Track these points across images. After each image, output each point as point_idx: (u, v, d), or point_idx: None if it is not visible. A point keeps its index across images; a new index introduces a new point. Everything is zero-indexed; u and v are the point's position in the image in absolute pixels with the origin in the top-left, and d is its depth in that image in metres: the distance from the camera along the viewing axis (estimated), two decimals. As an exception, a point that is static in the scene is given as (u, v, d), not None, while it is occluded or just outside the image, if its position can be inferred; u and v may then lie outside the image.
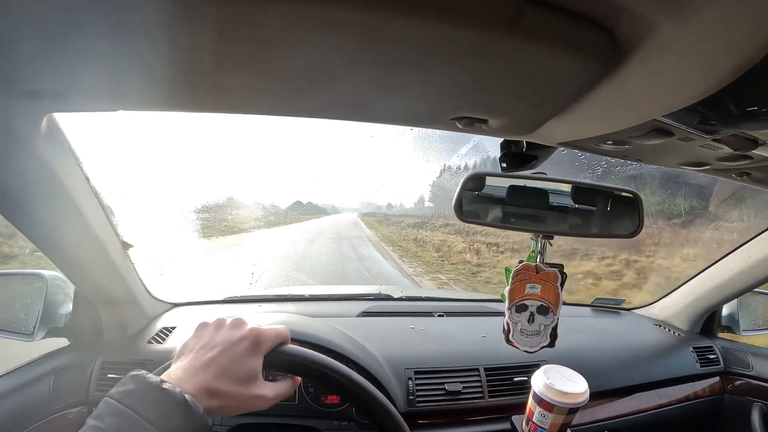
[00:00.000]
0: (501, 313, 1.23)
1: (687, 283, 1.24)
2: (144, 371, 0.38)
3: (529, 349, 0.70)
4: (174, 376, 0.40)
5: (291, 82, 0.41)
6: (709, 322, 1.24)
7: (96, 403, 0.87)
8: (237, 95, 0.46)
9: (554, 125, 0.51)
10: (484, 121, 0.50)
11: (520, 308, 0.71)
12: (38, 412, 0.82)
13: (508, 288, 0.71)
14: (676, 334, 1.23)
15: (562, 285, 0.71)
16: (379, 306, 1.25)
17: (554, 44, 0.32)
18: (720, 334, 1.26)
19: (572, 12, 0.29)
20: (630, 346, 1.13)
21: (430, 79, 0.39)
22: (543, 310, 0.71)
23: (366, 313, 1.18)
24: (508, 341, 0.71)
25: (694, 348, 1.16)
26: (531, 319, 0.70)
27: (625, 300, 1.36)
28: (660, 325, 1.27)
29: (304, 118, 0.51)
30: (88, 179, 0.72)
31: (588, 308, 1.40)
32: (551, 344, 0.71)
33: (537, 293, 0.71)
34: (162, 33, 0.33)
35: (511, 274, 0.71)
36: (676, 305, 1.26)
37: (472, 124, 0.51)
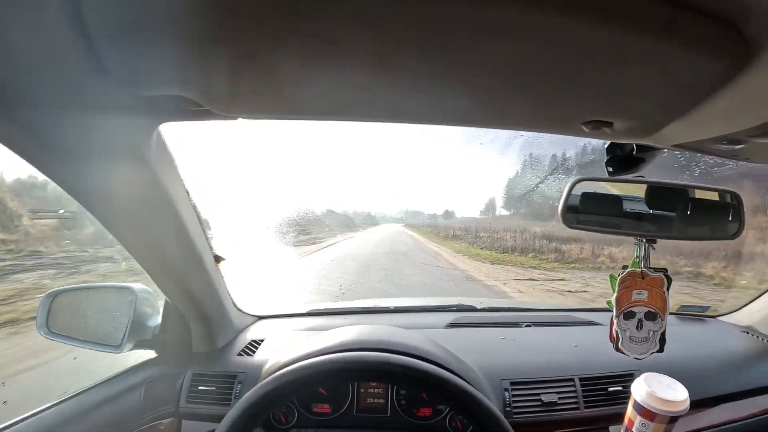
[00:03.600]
0: (589, 323, 1.21)
1: (774, 288, 1.16)
2: None
3: (639, 356, 0.69)
4: None
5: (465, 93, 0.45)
6: (799, 327, 1.16)
7: (187, 415, 0.90)
8: (399, 105, 0.48)
9: (675, 126, 0.51)
10: (610, 125, 0.52)
11: (628, 315, 0.69)
12: (131, 423, 0.84)
13: (614, 296, 0.68)
14: (765, 341, 1.15)
15: (668, 289, 0.68)
16: (465, 317, 1.24)
17: (689, 44, 0.33)
18: (811, 339, 1.17)
19: (707, 12, 0.31)
20: (719, 354, 1.09)
21: (571, 82, 0.41)
22: (651, 316, 0.69)
23: (454, 324, 1.18)
24: (617, 349, 0.70)
25: None
26: (639, 326, 0.69)
27: (710, 307, 1.29)
28: (748, 332, 1.21)
29: (447, 126, 0.53)
30: (188, 193, 0.74)
31: (673, 316, 1.35)
32: (660, 349, 0.69)
33: (644, 299, 0.69)
34: (311, 49, 0.34)
35: (617, 282, 0.69)
36: (763, 311, 1.19)
37: (599, 127, 0.53)
